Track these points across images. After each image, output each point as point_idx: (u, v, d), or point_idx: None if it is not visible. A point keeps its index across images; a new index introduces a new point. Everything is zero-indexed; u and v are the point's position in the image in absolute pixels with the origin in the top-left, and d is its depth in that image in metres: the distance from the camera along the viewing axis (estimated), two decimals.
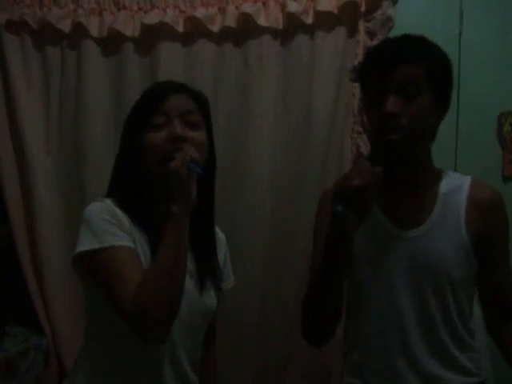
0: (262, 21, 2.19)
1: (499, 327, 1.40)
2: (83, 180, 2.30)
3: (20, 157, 2.32)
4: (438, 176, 1.36)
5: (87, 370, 1.31)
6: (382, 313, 1.31)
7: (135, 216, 1.27)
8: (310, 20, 2.17)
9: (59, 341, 2.29)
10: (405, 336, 1.29)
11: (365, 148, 2.16)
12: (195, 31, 2.25)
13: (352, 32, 2.20)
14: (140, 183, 1.30)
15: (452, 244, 1.29)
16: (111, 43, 2.30)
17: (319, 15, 2.16)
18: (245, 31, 2.22)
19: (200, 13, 2.21)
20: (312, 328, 1.35)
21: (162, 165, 1.22)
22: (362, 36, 2.17)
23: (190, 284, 1.29)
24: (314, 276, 1.31)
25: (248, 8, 2.18)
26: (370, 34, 2.17)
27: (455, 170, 2.24)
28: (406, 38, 1.28)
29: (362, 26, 2.17)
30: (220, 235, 1.48)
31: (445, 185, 1.34)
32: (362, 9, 2.16)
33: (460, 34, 2.29)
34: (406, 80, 1.22)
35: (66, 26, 2.28)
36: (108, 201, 1.29)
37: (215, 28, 2.23)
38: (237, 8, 2.21)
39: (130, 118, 1.35)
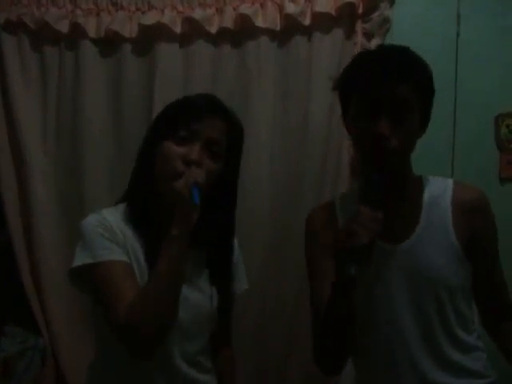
0: (259, 22, 2.19)
1: (496, 325, 1.40)
2: (81, 180, 2.30)
3: (17, 157, 2.33)
4: (419, 184, 1.34)
5: (94, 373, 1.35)
6: (384, 329, 1.30)
7: (137, 226, 1.28)
8: (307, 21, 2.18)
9: (56, 341, 2.29)
10: (409, 349, 1.28)
11: None
12: (193, 32, 2.25)
13: (349, 33, 2.20)
14: (151, 191, 1.28)
15: (443, 250, 1.28)
16: (109, 44, 2.31)
17: (317, 16, 2.17)
18: (242, 32, 2.23)
19: (198, 14, 2.22)
20: (329, 364, 1.34)
21: (167, 181, 1.21)
22: (359, 37, 2.17)
23: (192, 294, 1.28)
24: (323, 319, 1.27)
25: (246, 9, 2.18)
26: (368, 35, 2.17)
27: (452, 172, 2.23)
28: (397, 55, 1.24)
29: (359, 27, 2.17)
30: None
31: (428, 192, 1.32)
32: (360, 10, 2.17)
33: (457, 36, 2.29)
34: (398, 102, 1.20)
35: (63, 27, 2.28)
36: (106, 211, 1.29)
37: (213, 29, 2.23)
38: (234, 9, 2.21)
39: (157, 121, 1.32)
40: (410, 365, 1.28)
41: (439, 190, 1.33)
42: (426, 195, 1.32)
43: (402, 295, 1.28)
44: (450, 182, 1.35)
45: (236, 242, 1.48)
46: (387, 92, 1.20)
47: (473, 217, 1.30)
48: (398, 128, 1.20)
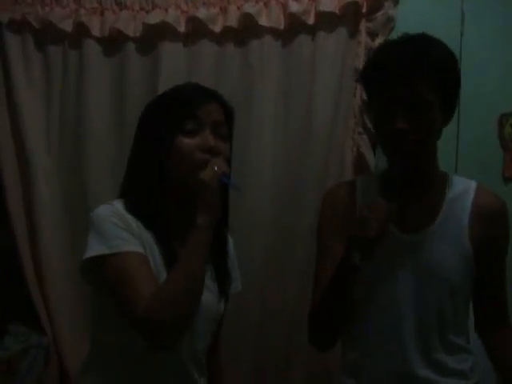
0: (263, 21, 2.19)
1: (489, 332, 1.41)
2: (84, 180, 2.31)
3: (21, 156, 2.33)
4: (443, 180, 1.35)
5: (92, 371, 1.32)
6: (382, 316, 1.32)
7: (148, 220, 1.26)
8: (311, 20, 2.17)
9: (60, 340, 2.29)
10: (401, 339, 1.30)
11: (366, 149, 2.16)
12: (197, 31, 2.25)
13: (353, 32, 2.19)
14: (159, 186, 1.27)
15: (454, 250, 1.29)
16: (113, 43, 2.31)
17: (321, 15, 2.16)
18: (246, 31, 2.22)
19: (201, 13, 2.22)
20: (322, 338, 1.35)
21: (192, 173, 1.21)
22: (363, 36, 2.16)
23: (204, 293, 1.26)
24: (323, 294, 1.30)
25: (249, 8, 2.18)
26: (372, 34, 2.16)
27: (456, 171, 2.24)
28: (411, 46, 1.23)
29: (363, 26, 2.17)
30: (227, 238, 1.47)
31: (451, 190, 1.33)
32: (364, 9, 2.16)
33: (461, 35, 2.29)
34: (414, 95, 1.20)
35: (67, 26, 2.28)
36: (117, 203, 1.27)
37: (217, 28, 2.23)
38: (238, 8, 2.21)
39: (155, 118, 1.30)
40: (399, 353, 1.30)
41: (462, 190, 1.34)
42: (449, 193, 1.33)
43: (405, 285, 1.30)
44: (474, 184, 1.36)
45: (231, 241, 1.48)
46: (402, 89, 1.20)
47: (489, 224, 1.32)
48: (416, 123, 1.21)
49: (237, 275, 1.48)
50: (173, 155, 1.25)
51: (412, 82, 1.20)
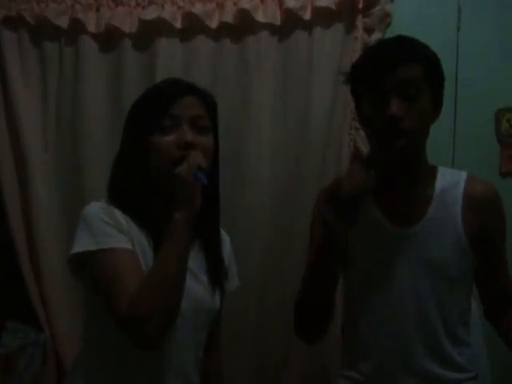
0: (259, 17, 2.19)
1: (498, 316, 1.41)
2: (81, 176, 2.31)
3: (18, 153, 2.33)
4: (433, 172, 1.35)
5: (85, 370, 1.30)
6: (382, 311, 1.32)
7: (137, 217, 1.25)
8: (307, 16, 2.18)
9: (57, 337, 2.29)
10: (402, 333, 1.30)
11: (363, 144, 2.15)
12: (193, 27, 2.25)
13: (350, 28, 2.20)
14: (143, 184, 1.27)
15: (449, 241, 1.29)
16: (109, 39, 2.31)
17: (317, 11, 2.16)
18: (243, 27, 2.23)
19: (198, 9, 2.22)
20: (304, 325, 1.35)
21: (169, 170, 1.20)
22: (359, 32, 2.17)
23: (194, 285, 1.27)
24: (307, 275, 1.32)
25: (246, 4, 2.18)
26: (368, 30, 2.17)
27: (453, 166, 2.23)
28: (401, 39, 1.29)
29: (359, 22, 2.17)
30: (223, 236, 1.46)
31: (440, 182, 1.33)
32: (360, 5, 2.16)
33: (458, 30, 2.28)
34: (407, 82, 1.22)
35: (63, 22, 2.28)
36: (106, 201, 1.27)
37: (213, 24, 2.23)
38: (234, 4, 2.21)
39: (134, 118, 1.31)
40: (400, 347, 1.30)
41: (452, 181, 1.34)
42: (438, 185, 1.33)
43: (402, 279, 1.30)
44: (464, 174, 1.36)
45: (228, 239, 1.48)
46: (395, 74, 1.22)
47: (482, 212, 1.31)
48: (410, 109, 1.22)
49: (234, 273, 1.48)
50: (152, 154, 1.25)
51: (408, 68, 1.22)
